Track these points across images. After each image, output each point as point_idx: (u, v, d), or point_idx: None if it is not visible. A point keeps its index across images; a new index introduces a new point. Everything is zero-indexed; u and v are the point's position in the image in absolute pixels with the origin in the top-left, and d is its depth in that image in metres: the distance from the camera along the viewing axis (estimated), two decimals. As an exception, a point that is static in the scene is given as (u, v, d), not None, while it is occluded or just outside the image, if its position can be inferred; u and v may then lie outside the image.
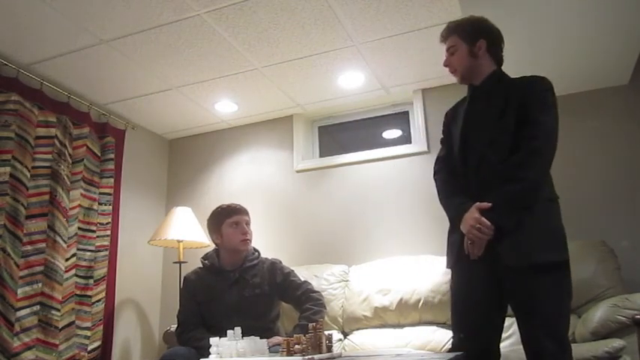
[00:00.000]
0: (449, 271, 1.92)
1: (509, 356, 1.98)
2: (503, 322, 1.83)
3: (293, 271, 2.63)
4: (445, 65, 1.98)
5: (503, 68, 1.96)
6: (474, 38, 1.89)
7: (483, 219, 1.68)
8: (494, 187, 1.72)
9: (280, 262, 2.65)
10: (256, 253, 2.63)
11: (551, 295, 1.66)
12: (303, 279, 2.62)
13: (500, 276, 1.72)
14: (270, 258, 2.65)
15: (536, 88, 1.81)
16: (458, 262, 1.83)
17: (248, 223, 2.60)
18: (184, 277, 2.65)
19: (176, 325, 2.57)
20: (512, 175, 1.70)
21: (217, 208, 2.64)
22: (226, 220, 2.55)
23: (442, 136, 2.05)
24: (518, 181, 1.69)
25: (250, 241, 2.58)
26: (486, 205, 1.70)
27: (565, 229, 1.75)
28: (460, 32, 1.92)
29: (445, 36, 1.97)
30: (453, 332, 1.87)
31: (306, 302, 2.48)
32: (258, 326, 2.37)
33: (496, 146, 1.77)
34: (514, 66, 2.77)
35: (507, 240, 1.67)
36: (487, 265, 1.73)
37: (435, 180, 1.98)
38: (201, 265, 2.63)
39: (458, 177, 1.88)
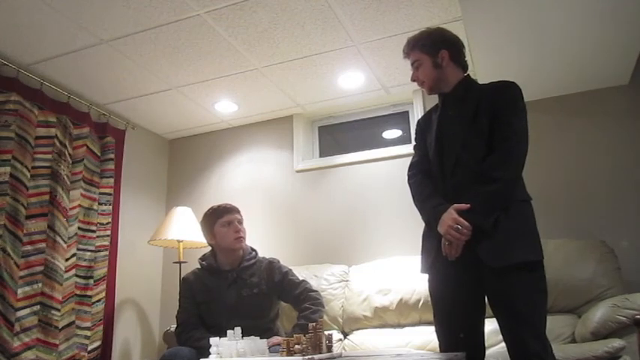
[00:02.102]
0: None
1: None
2: (484, 321, 1.86)
3: (291, 270, 2.63)
4: (413, 80, 2.03)
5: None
6: (435, 50, 1.94)
7: (462, 219, 1.71)
8: (469, 188, 1.75)
9: (278, 261, 2.65)
10: (253, 253, 2.63)
11: (532, 295, 1.69)
12: (301, 278, 2.62)
13: (481, 277, 1.75)
14: (267, 257, 2.65)
15: (508, 93, 1.85)
16: (436, 265, 1.85)
17: (240, 222, 2.61)
18: (183, 278, 2.65)
19: (175, 326, 2.57)
20: (488, 175, 1.73)
21: (209, 209, 2.65)
22: (218, 220, 2.56)
23: (415, 143, 2.10)
24: (494, 181, 1.72)
25: (244, 238, 2.59)
26: (464, 206, 1.72)
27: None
28: (421, 46, 1.97)
29: (407, 52, 2.02)
30: (440, 334, 1.89)
31: (305, 301, 2.48)
32: (258, 326, 2.37)
33: (470, 149, 1.81)
34: (515, 66, 2.80)
35: (487, 241, 1.70)
36: (468, 266, 1.75)
37: (410, 185, 2.01)
38: (199, 266, 2.64)
39: (433, 180, 1.91)
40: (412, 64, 2.01)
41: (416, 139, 2.09)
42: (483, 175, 1.74)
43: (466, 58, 2.00)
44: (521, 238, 1.72)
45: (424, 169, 1.96)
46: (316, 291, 2.56)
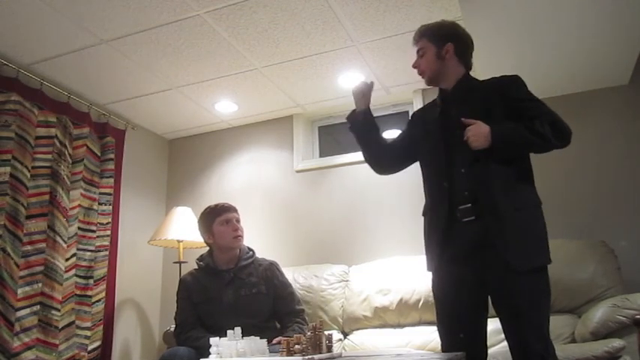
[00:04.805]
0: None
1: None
2: (487, 321, 1.87)
3: (290, 284, 2.70)
4: (414, 67, 2.02)
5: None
6: (442, 41, 1.93)
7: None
8: (488, 184, 1.75)
9: (278, 264, 2.69)
10: (251, 252, 2.65)
11: (536, 296, 1.70)
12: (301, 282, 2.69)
13: (485, 277, 1.75)
14: (267, 259, 2.67)
15: (519, 85, 1.86)
16: (440, 265, 1.86)
17: (238, 220, 2.63)
18: (180, 279, 2.67)
19: (174, 326, 2.57)
20: (540, 130, 1.72)
21: (206, 208, 2.67)
22: (217, 218, 2.58)
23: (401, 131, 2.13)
24: (542, 137, 1.73)
25: (242, 237, 2.60)
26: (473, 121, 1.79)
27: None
28: (429, 35, 1.96)
29: (417, 39, 2.01)
30: (442, 334, 1.89)
31: (300, 321, 2.55)
32: (257, 325, 2.39)
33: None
34: (514, 66, 2.80)
35: (512, 245, 1.69)
36: (472, 267, 1.76)
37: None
38: (196, 267, 2.65)
39: (432, 180, 1.92)
40: (417, 52, 2.00)
41: (403, 131, 2.12)
42: (535, 129, 1.73)
43: (472, 59, 1.99)
44: (537, 243, 1.74)
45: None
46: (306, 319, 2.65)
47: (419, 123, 2.05)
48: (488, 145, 1.74)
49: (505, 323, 1.74)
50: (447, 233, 1.82)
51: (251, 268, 2.58)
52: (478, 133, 1.76)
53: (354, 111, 2.09)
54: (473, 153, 1.78)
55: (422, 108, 2.14)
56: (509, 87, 1.85)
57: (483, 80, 1.95)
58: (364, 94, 2.05)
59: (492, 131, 1.74)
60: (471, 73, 2.02)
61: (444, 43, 1.92)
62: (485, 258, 1.73)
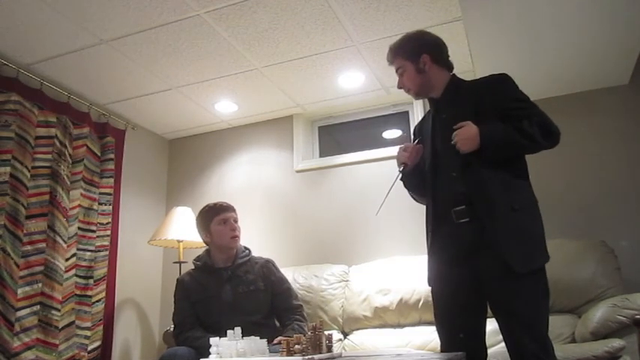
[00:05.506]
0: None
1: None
2: (486, 321, 1.87)
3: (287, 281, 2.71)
4: (399, 87, 2.02)
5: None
6: (416, 55, 1.93)
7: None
8: (483, 185, 1.75)
9: (274, 261, 2.70)
10: (247, 251, 2.67)
11: (534, 297, 1.70)
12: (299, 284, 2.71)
13: (483, 278, 1.75)
14: (263, 257, 2.69)
15: (507, 85, 1.84)
16: (439, 272, 1.87)
17: (236, 220, 2.65)
18: (178, 280, 2.68)
19: (173, 327, 2.58)
20: (529, 132, 1.71)
21: (205, 207, 2.68)
22: (215, 218, 2.59)
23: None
24: (530, 139, 1.71)
25: (239, 237, 2.62)
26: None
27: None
28: (402, 53, 1.96)
29: (391, 60, 2.01)
30: (441, 334, 1.90)
31: (299, 317, 2.55)
32: (256, 322, 2.40)
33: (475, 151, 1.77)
34: (514, 66, 2.80)
35: (512, 245, 1.69)
36: (470, 267, 1.76)
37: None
38: (193, 267, 2.66)
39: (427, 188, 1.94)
40: (396, 71, 2.00)
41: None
42: (524, 130, 1.71)
43: (450, 57, 1.99)
44: (538, 244, 1.73)
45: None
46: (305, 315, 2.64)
47: (419, 135, 2.05)
48: (477, 147, 1.74)
49: (502, 324, 1.74)
50: (443, 235, 1.84)
51: (248, 266, 2.59)
52: (466, 135, 1.75)
53: (405, 167, 1.99)
54: (464, 156, 1.78)
55: (420, 120, 2.15)
56: (498, 87, 1.84)
57: (472, 80, 1.95)
58: (410, 151, 1.97)
59: (481, 133, 1.73)
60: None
61: (419, 55, 1.92)
62: (483, 259, 1.73)
